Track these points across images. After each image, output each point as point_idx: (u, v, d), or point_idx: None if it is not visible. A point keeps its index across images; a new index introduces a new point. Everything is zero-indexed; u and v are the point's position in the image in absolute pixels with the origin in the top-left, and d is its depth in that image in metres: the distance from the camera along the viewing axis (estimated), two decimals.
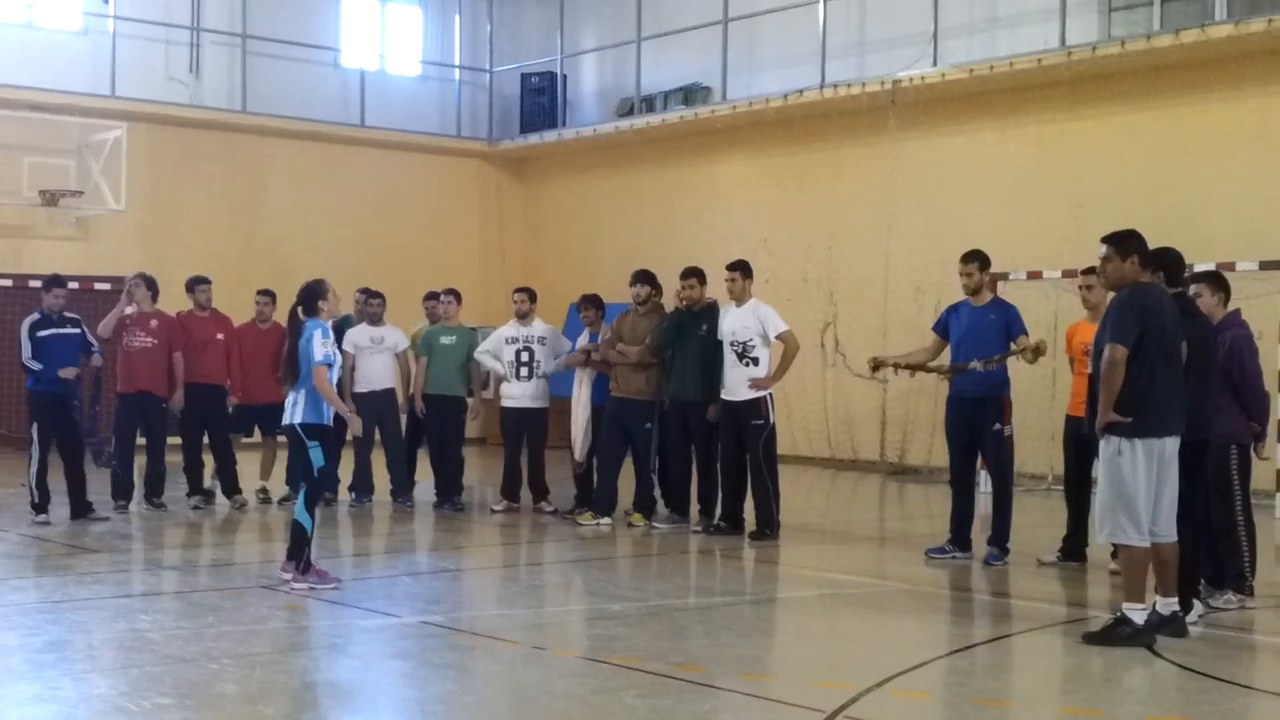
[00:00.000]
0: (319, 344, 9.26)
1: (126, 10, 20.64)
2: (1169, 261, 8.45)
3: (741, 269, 12.19)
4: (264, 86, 21.69)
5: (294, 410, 9.38)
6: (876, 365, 11.47)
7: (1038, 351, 10.71)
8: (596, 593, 9.83)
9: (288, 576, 9.28)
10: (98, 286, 18.77)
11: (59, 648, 7.73)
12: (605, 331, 13.01)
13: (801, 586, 10.39)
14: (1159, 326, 7.99)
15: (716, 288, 12.51)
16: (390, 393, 14.04)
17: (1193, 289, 9.23)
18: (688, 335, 12.41)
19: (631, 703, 6.59)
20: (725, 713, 6.67)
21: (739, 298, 12.11)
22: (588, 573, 10.72)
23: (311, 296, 9.53)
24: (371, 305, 14.10)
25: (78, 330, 12.48)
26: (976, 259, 10.99)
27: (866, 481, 18.06)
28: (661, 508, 12.81)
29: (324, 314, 9.53)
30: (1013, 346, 10.71)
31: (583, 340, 13.27)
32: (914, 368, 11.41)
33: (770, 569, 11.10)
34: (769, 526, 11.93)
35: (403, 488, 14.02)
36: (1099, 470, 8.13)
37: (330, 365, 9.35)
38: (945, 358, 11.08)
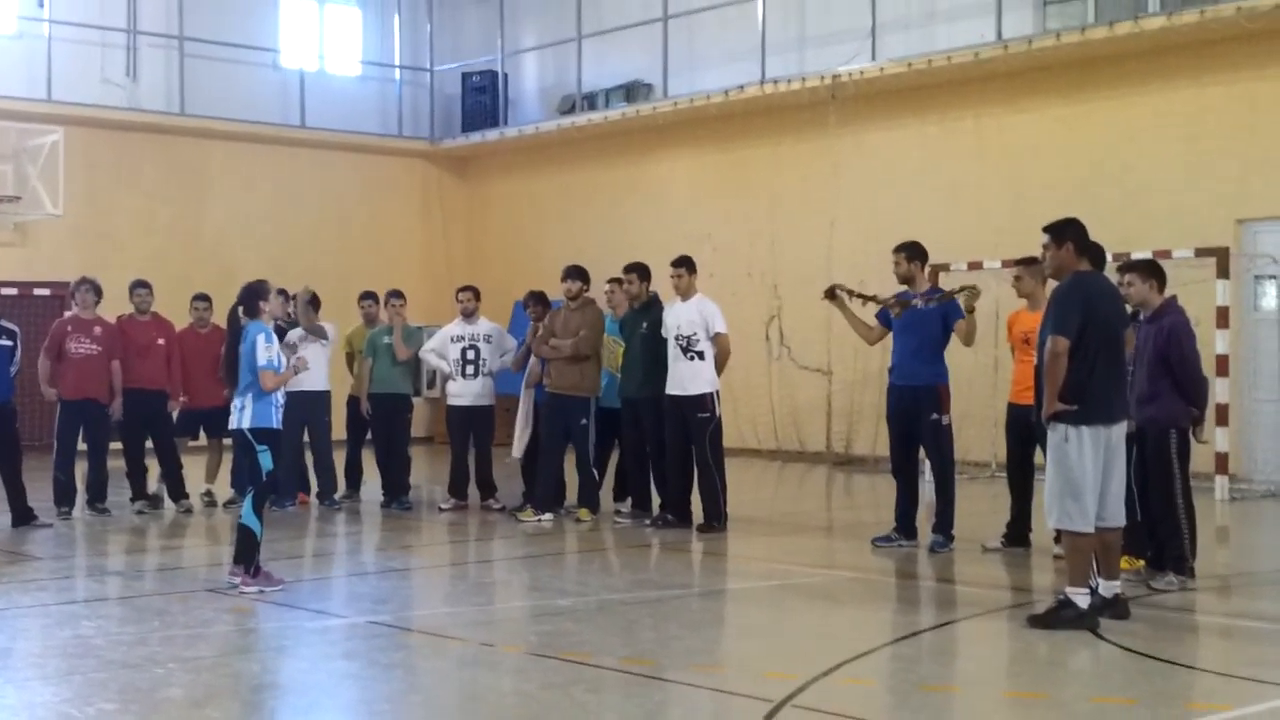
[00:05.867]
0: (262, 349, 9.23)
1: (61, 13, 20.42)
2: (1090, 252, 8.53)
3: (686, 265, 12.24)
4: (202, 88, 21.50)
5: (241, 415, 9.31)
6: (832, 292, 11.44)
7: (973, 292, 10.77)
8: (545, 589, 9.84)
9: (237, 580, 9.23)
10: (36, 292, 18.63)
11: (2, 655, 7.67)
12: (531, 331, 13.06)
13: (749, 578, 10.44)
14: (1101, 315, 8.09)
15: (661, 284, 12.57)
16: (319, 395, 13.62)
17: (1125, 278, 9.36)
18: (631, 333, 12.46)
19: (581, 698, 6.61)
20: (674, 705, 6.70)
21: (684, 293, 12.16)
22: (536, 569, 10.72)
23: (253, 297, 9.47)
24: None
25: (11, 343, 12.36)
26: (904, 249, 11.15)
27: (813, 472, 18.14)
28: (628, 504, 12.82)
29: (265, 315, 9.47)
30: (950, 290, 10.81)
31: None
32: (865, 297, 11.42)
33: (718, 561, 11.14)
34: (716, 519, 11.97)
35: (330, 490, 13.94)
36: (1047, 457, 8.23)
37: (275, 370, 9.28)
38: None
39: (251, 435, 9.27)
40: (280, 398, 9.47)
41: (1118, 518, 8.20)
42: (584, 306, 12.83)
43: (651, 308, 12.45)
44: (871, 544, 11.13)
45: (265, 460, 9.30)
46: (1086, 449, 7.99)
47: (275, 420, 9.39)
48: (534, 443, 13.17)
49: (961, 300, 10.83)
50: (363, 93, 23.97)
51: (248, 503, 9.27)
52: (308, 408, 13.36)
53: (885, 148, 18.63)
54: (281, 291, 13.84)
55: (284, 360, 9.59)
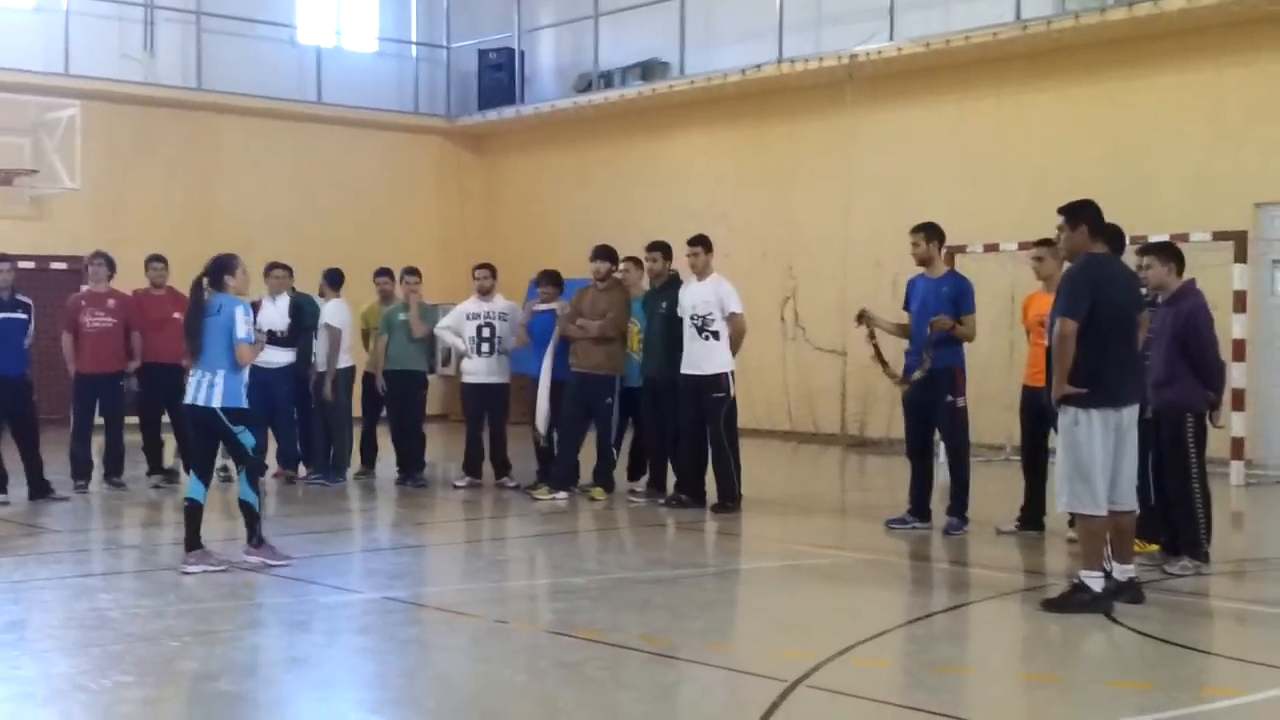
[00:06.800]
0: (242, 322, 9.11)
1: None
2: (1108, 235, 8.50)
3: (703, 244, 12.24)
4: (219, 64, 21.52)
5: (211, 392, 9.11)
6: (861, 317, 11.38)
7: (941, 326, 10.74)
8: (559, 567, 9.86)
9: (253, 559, 9.20)
10: (54, 266, 18.67)
11: (19, 627, 7.72)
12: (564, 307, 13.03)
13: (763, 558, 10.45)
14: (1112, 298, 8.07)
15: (678, 263, 12.58)
16: (283, 369, 13.60)
17: (1144, 260, 9.33)
18: (650, 312, 12.46)
19: (594, 675, 6.63)
20: (688, 683, 6.72)
21: (700, 272, 12.16)
22: (550, 547, 10.74)
23: (220, 270, 9.34)
24: (274, 277, 13.80)
25: (26, 316, 12.41)
26: (923, 230, 11.10)
27: (827, 454, 18.14)
28: (642, 483, 12.83)
29: (230, 289, 9.31)
30: (930, 330, 10.76)
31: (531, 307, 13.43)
32: (879, 357, 11.36)
33: (732, 541, 11.15)
34: (730, 499, 11.98)
35: (341, 464, 14.00)
36: (1058, 440, 8.21)
37: (252, 343, 9.22)
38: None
39: (225, 415, 9.12)
40: (246, 374, 9.32)
41: (1129, 501, 8.18)
42: (612, 287, 12.82)
43: (672, 287, 12.44)
44: (885, 526, 11.14)
45: (247, 439, 9.19)
46: (1096, 432, 7.97)
47: (244, 398, 9.25)
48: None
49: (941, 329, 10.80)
50: (379, 69, 23.95)
51: (242, 479, 9.23)
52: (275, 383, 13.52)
53: (902, 128, 18.57)
54: (283, 267, 13.90)
55: (256, 336, 9.45)
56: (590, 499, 12.63)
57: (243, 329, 9.12)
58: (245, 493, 9.23)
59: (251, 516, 9.26)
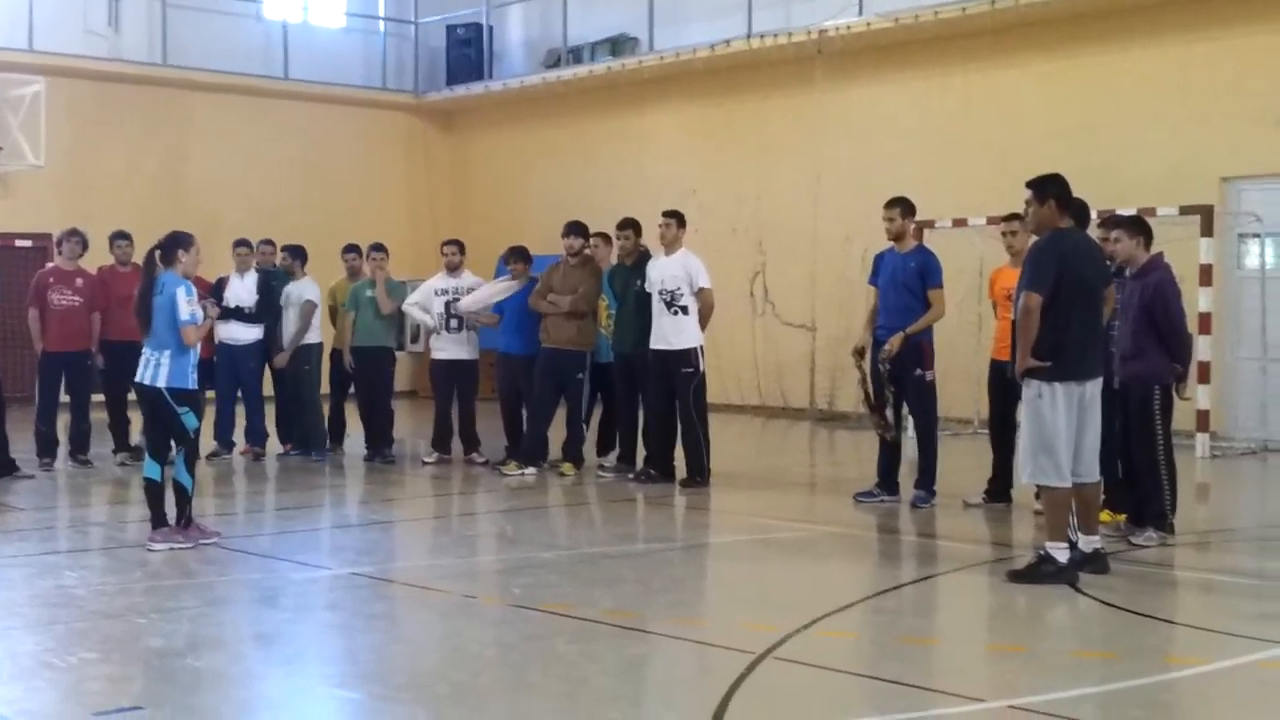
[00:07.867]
0: (184, 303, 8.98)
1: None
2: (1072, 209, 8.53)
3: (677, 218, 12.22)
4: (185, 39, 21.34)
5: (156, 372, 9.04)
6: (860, 354, 11.38)
7: (889, 356, 10.81)
8: (528, 542, 9.85)
9: (159, 545, 9.02)
10: (18, 244, 18.54)
11: None
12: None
13: (732, 532, 10.46)
14: (1077, 272, 8.10)
15: (648, 234, 12.57)
16: (251, 346, 13.71)
17: (1112, 234, 9.36)
18: (623, 288, 12.45)
19: (563, 649, 6.64)
20: (656, 656, 6.73)
21: (669, 245, 12.13)
22: (519, 522, 10.73)
23: (174, 245, 9.23)
24: (238, 254, 13.80)
25: None
26: (898, 205, 11.08)
27: (796, 428, 18.18)
28: (611, 459, 12.83)
29: (180, 266, 9.20)
30: (883, 366, 10.82)
31: (500, 286, 13.37)
32: (868, 401, 11.28)
33: (701, 516, 11.17)
34: (699, 474, 11.99)
35: (317, 442, 13.99)
36: (1022, 413, 8.25)
37: (197, 324, 9.09)
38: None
39: (170, 396, 9.05)
40: (195, 355, 9.23)
41: (1093, 473, 8.24)
42: (583, 263, 12.79)
43: (644, 263, 12.42)
44: (854, 499, 11.17)
45: (190, 420, 9.12)
46: (1060, 405, 8.02)
47: (192, 380, 9.16)
48: (515, 397, 13.18)
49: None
50: (346, 45, 23.80)
51: (179, 460, 9.13)
52: (241, 360, 13.59)
53: (872, 104, 18.58)
54: (258, 243, 13.86)
55: (202, 312, 9.29)
56: (560, 474, 12.63)
57: (185, 311, 8.99)
58: (180, 474, 9.13)
59: (183, 499, 9.14)
